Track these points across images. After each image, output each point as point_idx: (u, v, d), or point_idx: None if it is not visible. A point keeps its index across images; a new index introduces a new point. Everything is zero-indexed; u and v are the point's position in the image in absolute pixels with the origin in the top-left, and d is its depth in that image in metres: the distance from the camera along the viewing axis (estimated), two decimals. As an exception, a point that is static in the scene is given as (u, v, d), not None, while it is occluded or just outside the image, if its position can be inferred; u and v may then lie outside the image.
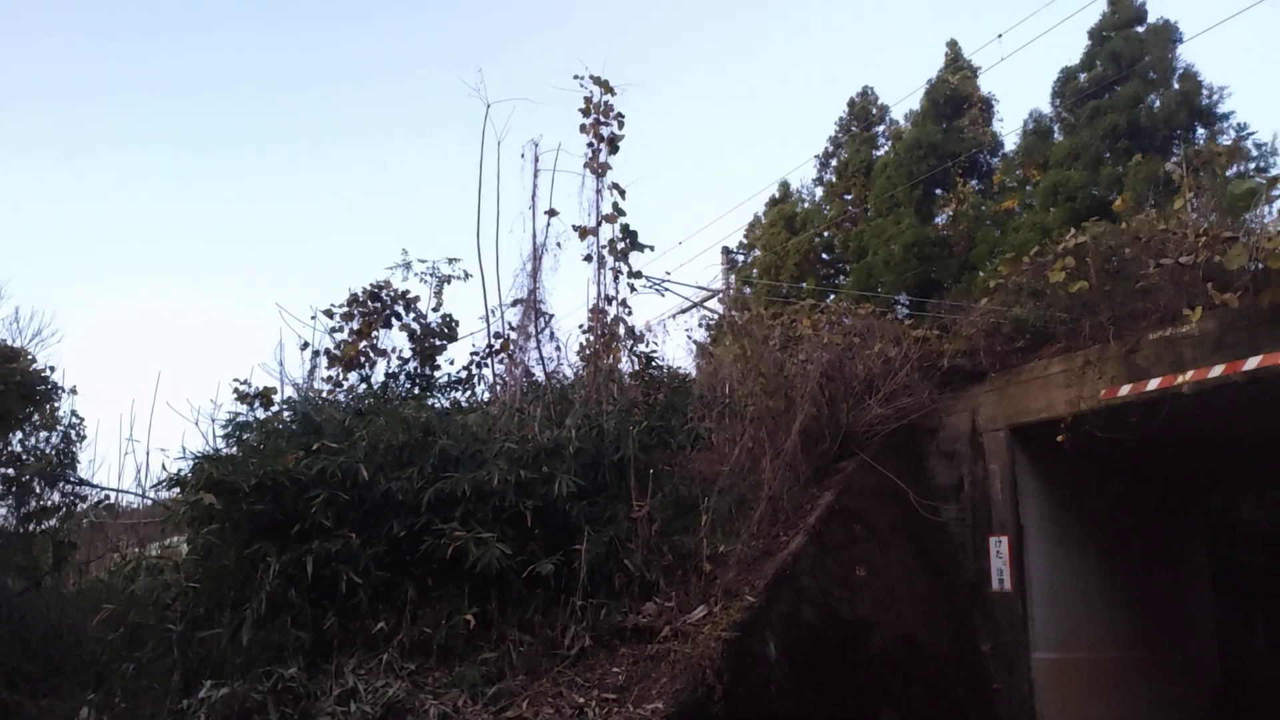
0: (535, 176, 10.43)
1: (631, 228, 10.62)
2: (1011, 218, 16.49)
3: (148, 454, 10.26)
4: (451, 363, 12.12)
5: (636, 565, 7.56)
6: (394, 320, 12.05)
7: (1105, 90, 16.55)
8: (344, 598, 6.92)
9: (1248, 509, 18.06)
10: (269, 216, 72.50)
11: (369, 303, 11.94)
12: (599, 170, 10.58)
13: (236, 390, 10.66)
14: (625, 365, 10.75)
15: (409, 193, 77.57)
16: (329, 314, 11.75)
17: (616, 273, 10.58)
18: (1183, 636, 13.71)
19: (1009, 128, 19.64)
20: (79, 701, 7.03)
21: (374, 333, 11.86)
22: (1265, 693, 15.83)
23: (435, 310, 12.14)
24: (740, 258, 22.77)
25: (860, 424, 10.21)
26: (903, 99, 24.40)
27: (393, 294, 12.05)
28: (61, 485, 10.23)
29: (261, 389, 10.82)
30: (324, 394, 10.84)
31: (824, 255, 21.03)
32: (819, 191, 22.24)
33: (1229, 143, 14.97)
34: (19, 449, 10.08)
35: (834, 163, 21.82)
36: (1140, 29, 16.76)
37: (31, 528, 9.74)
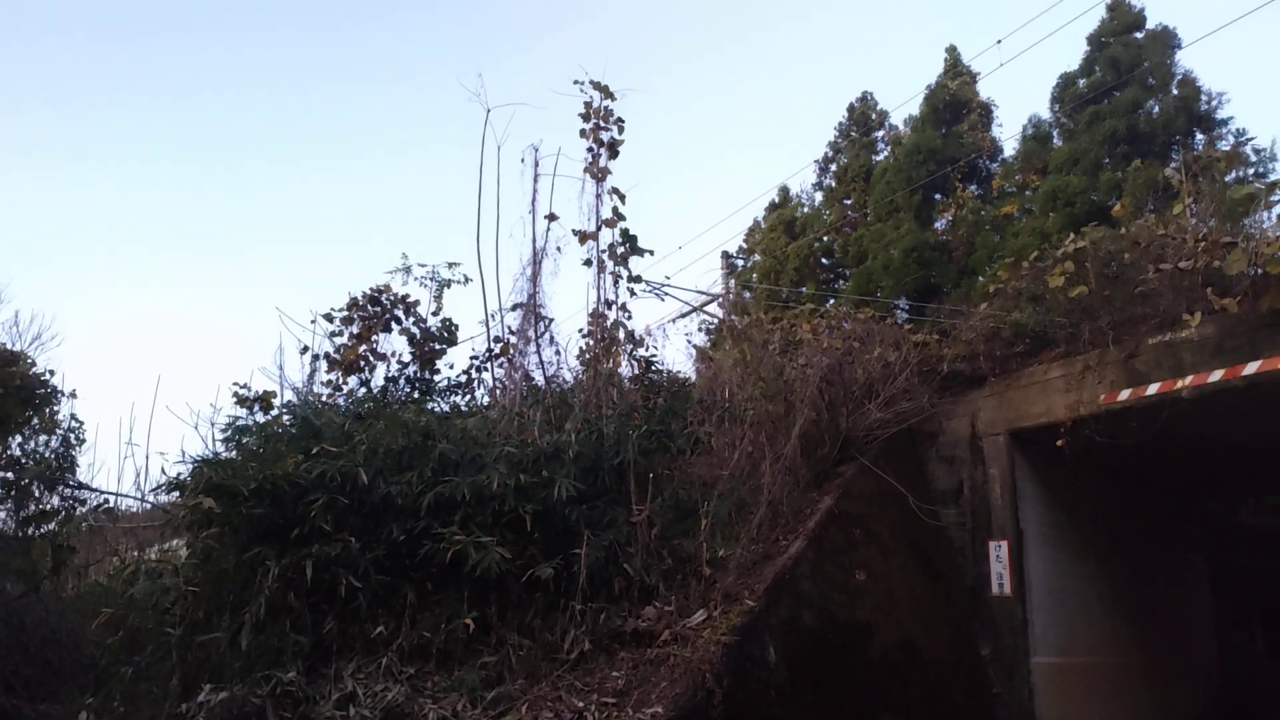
0: (535, 181, 10.47)
1: (631, 232, 10.66)
2: (1011, 223, 16.51)
3: (147, 458, 10.26)
4: (451, 367, 12.13)
5: (636, 569, 7.56)
6: (394, 324, 12.05)
7: (1104, 96, 16.58)
8: (343, 602, 6.91)
9: (1247, 514, 18.06)
10: (269, 221, 72.61)
11: (369, 307, 11.94)
12: (599, 175, 10.60)
13: (236, 394, 10.65)
14: (625, 369, 10.77)
15: (409, 197, 77.70)
16: (329, 318, 11.76)
17: (616, 277, 10.61)
18: (1182, 641, 13.70)
19: (1008, 133, 19.73)
20: (77, 705, 7.01)
21: (374, 337, 11.86)
22: (1265, 697, 15.81)
23: (435, 314, 12.16)
24: (740, 262, 22.80)
25: (860, 428, 10.22)
26: (902, 104, 24.59)
27: (393, 298, 12.05)
28: (61, 489, 10.21)
29: (261, 393, 10.82)
30: (323, 398, 10.84)
31: (823, 260, 21.05)
32: (819, 196, 22.28)
33: (1228, 148, 14.98)
34: (18, 453, 10.07)
35: (833, 168, 21.86)
36: (1139, 35, 16.79)
37: (30, 531, 9.72)
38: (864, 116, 21.80)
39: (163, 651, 6.87)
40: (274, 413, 10.12)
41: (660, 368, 11.35)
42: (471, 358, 11.76)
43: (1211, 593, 15.34)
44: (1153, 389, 9.07)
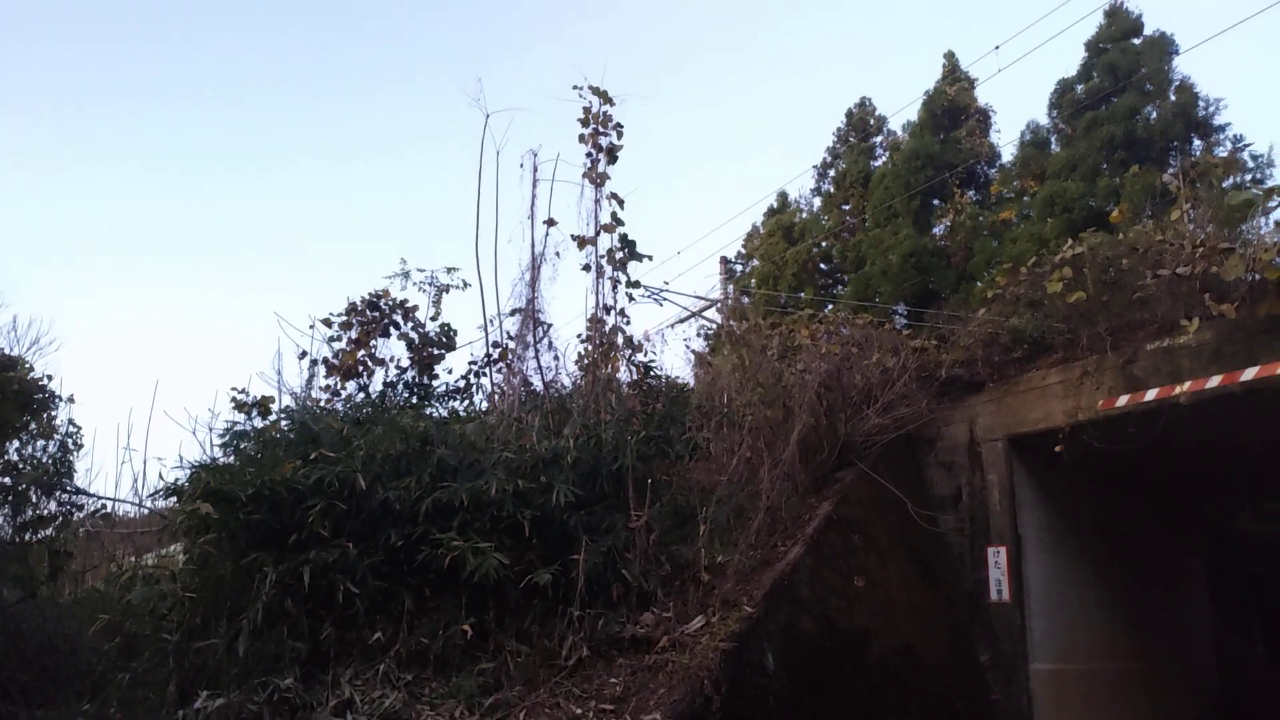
0: (534, 186, 10.49)
1: (630, 237, 10.68)
2: (1009, 228, 16.53)
3: (145, 463, 10.23)
4: (450, 372, 12.11)
5: (634, 575, 7.55)
6: (392, 329, 12.04)
7: (1102, 102, 16.62)
8: (341, 608, 6.90)
9: (1245, 519, 18.08)
10: (268, 225, 72.61)
11: (367, 312, 11.93)
12: (598, 180, 10.62)
13: (234, 399, 10.63)
14: (623, 375, 10.78)
15: (408, 202, 77.73)
16: (327, 323, 11.74)
17: (615, 282, 10.62)
18: (1181, 646, 13.69)
19: (1006, 139, 19.77)
20: (74, 712, 6.99)
21: (372, 342, 11.84)
22: (1264, 702, 15.81)
23: (434, 319, 12.15)
24: (738, 268, 22.82)
25: (858, 434, 10.22)
26: (900, 110, 24.64)
27: (391, 303, 12.04)
28: (58, 494, 10.18)
29: (259, 398, 10.80)
30: (322, 403, 10.83)
31: (822, 265, 21.07)
32: (817, 202, 22.32)
33: (1225, 154, 15.04)
34: (15, 458, 10.04)
35: (832, 173, 21.89)
36: (1137, 41, 16.84)
37: (27, 537, 9.69)
38: (862, 122, 21.83)
39: (160, 658, 6.86)
40: (272, 418, 10.11)
41: (659, 373, 11.36)
42: (470, 363, 11.76)
43: (1210, 598, 15.34)
44: (1151, 395, 9.08)
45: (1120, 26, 17.00)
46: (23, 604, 9.16)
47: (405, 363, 11.96)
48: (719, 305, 19.66)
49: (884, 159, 20.72)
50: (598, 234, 10.59)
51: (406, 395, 11.54)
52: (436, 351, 12.12)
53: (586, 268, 10.67)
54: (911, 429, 10.68)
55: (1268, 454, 11.77)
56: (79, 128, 61.22)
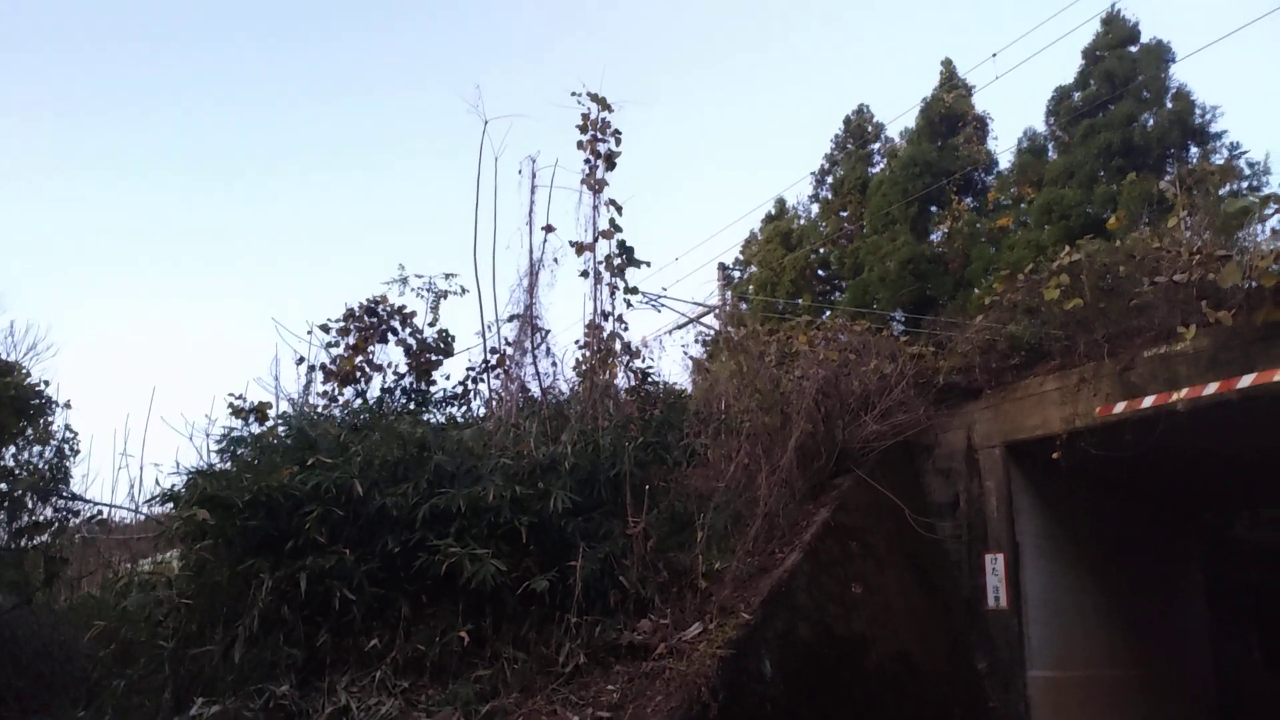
0: (532, 192, 10.51)
1: (628, 244, 10.69)
2: (1006, 235, 16.56)
3: (141, 469, 10.22)
4: (448, 378, 12.12)
5: (632, 582, 7.54)
6: (390, 335, 12.05)
7: (1099, 109, 16.67)
8: (337, 614, 6.88)
9: (1242, 526, 18.10)
10: (265, 231, 72.58)
11: (365, 318, 11.94)
12: (596, 186, 10.64)
13: (231, 405, 10.64)
14: (621, 381, 10.78)
15: (407, 208, 77.74)
16: (325, 329, 11.75)
17: (613, 288, 10.63)
18: (1178, 654, 13.69)
19: (1003, 146, 19.82)
20: (69, 719, 6.97)
21: (370, 348, 11.85)
22: (1261, 709, 15.80)
23: (432, 325, 12.16)
24: (736, 274, 22.85)
25: (856, 440, 10.21)
26: (898, 117, 24.67)
27: (389, 309, 12.05)
28: (54, 500, 10.17)
29: (257, 404, 10.81)
30: (319, 409, 10.82)
31: (820, 272, 21.09)
32: (815, 208, 22.34)
33: (1222, 162, 15.06)
34: (11, 463, 10.03)
35: (830, 180, 21.92)
36: (1134, 49, 16.88)
37: (23, 543, 9.68)
38: (860, 129, 21.88)
39: (155, 664, 6.84)
40: (269, 424, 10.12)
41: (656, 379, 11.37)
42: (468, 369, 11.77)
43: (1207, 605, 15.35)
44: (1148, 402, 9.09)
45: (1117, 34, 17.06)
46: (18, 610, 9.14)
47: (403, 368, 11.98)
48: (717, 311, 19.65)
49: (882, 166, 20.76)
50: (596, 240, 10.61)
51: (404, 401, 11.54)
52: (434, 357, 12.13)
53: (585, 274, 10.68)
54: (909, 436, 10.68)
55: (1265, 461, 11.78)
56: (75, 133, 61.24)
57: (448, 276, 12.00)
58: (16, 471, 9.96)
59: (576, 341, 11.00)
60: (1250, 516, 18.04)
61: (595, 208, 10.65)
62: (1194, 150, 15.99)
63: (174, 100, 60.13)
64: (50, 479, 10.09)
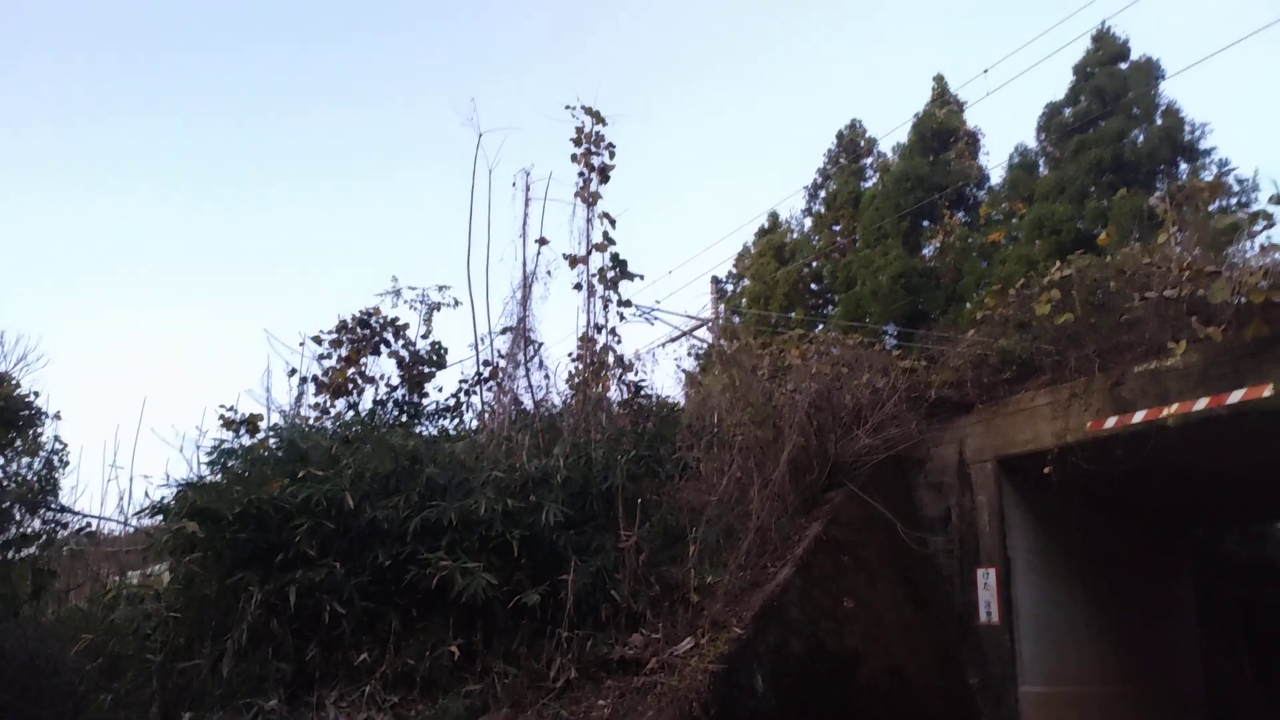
0: (526, 205, 10.54)
1: (621, 256, 10.72)
2: (998, 250, 16.65)
3: (131, 481, 10.21)
4: (440, 390, 12.10)
5: (623, 596, 7.52)
6: (383, 347, 12.03)
7: (1089, 125, 16.79)
8: (327, 628, 6.85)
9: (1233, 542, 18.13)
10: (258, 243, 72.48)
11: (358, 329, 11.92)
12: (590, 199, 10.68)
13: (222, 417, 10.59)
14: (614, 394, 10.79)
15: (400, 220, 77.75)
16: (317, 340, 11.72)
17: (606, 301, 10.65)
18: (1169, 669, 13.68)
19: (995, 161, 19.91)
20: (55, 733, 6.91)
21: (362, 360, 11.83)
22: (1252, 725, 15.80)
23: (424, 337, 12.15)
24: (729, 287, 22.89)
25: (848, 454, 10.21)
26: (890, 132, 24.80)
27: (382, 321, 12.03)
28: (42, 512, 10.11)
29: (247, 416, 10.76)
30: (311, 421, 10.79)
31: (812, 285, 21.15)
32: (808, 222, 22.43)
33: (1211, 178, 15.18)
34: (0, 475, 9.98)
35: (822, 194, 22.01)
36: (1124, 66, 17.04)
37: (10, 555, 9.61)
38: (853, 144, 21.99)
39: (143, 678, 6.80)
40: (260, 436, 10.07)
41: (649, 392, 11.36)
42: (460, 381, 11.75)
43: (1198, 621, 15.34)
44: (1139, 417, 9.11)
45: (1107, 51, 17.21)
46: (4, 623, 9.06)
47: (395, 381, 11.95)
48: (710, 325, 19.68)
49: (874, 180, 20.85)
50: (589, 253, 10.64)
51: (396, 413, 11.52)
52: (427, 369, 12.11)
53: (578, 286, 10.70)
54: (901, 450, 10.68)
55: (1254, 477, 11.81)
56: (68, 143, 61.17)
57: (441, 288, 12.00)
58: (4, 483, 9.91)
59: (569, 354, 11.02)
60: (1240, 532, 18.08)
61: (589, 220, 10.69)
62: (1183, 166, 16.13)
63: (168, 110, 60.16)
64: (39, 490, 10.04)
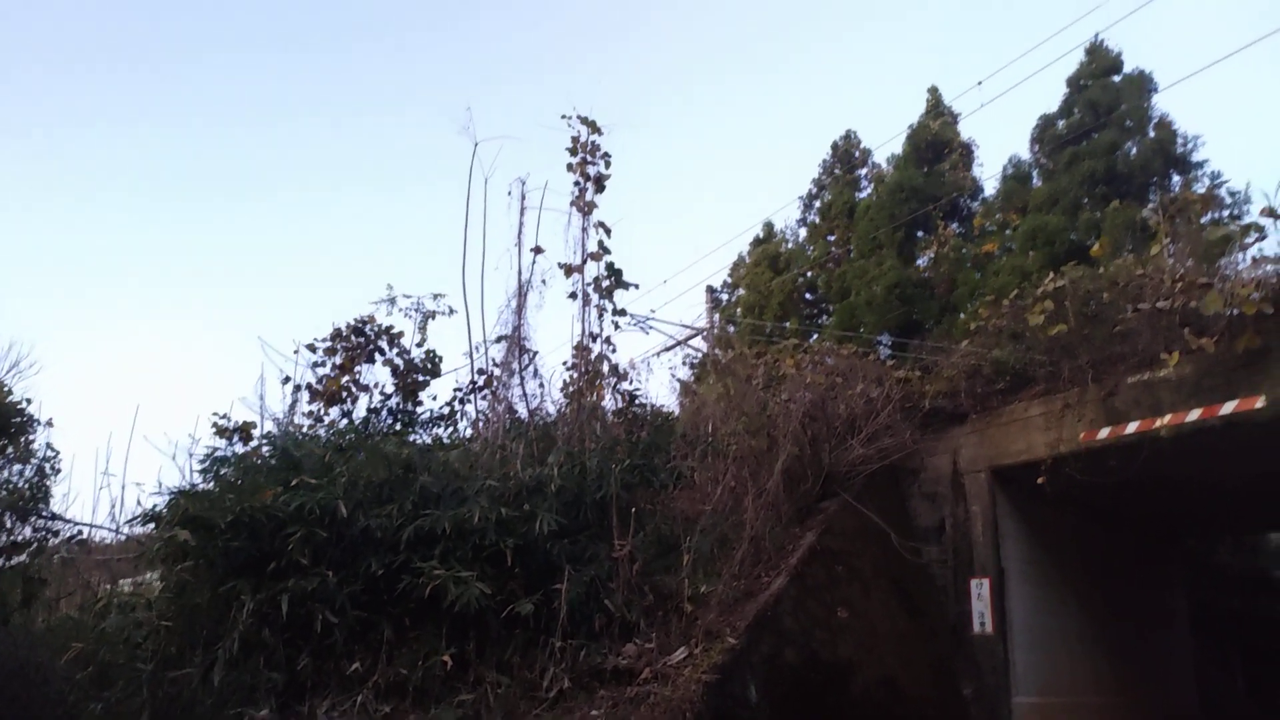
0: (522, 214, 10.55)
1: (616, 266, 10.73)
2: (991, 261, 16.68)
3: (123, 488, 10.09)
4: (434, 398, 12.09)
5: (617, 606, 7.50)
6: (377, 355, 12.01)
7: (1083, 137, 16.87)
8: (319, 637, 6.82)
9: (1225, 553, 18.17)
10: (253, 252, 72.39)
11: (352, 337, 11.91)
12: (585, 208, 10.68)
13: (215, 425, 10.56)
14: (608, 403, 10.78)
15: (396, 229, 77.74)
16: (312, 348, 11.71)
17: (601, 310, 10.66)
18: (1163, 680, 13.68)
19: (989, 173, 20.00)
20: (44, 743, 6.85)
21: (357, 368, 11.81)
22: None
23: (419, 346, 12.14)
24: (724, 297, 22.90)
25: (842, 464, 10.22)
26: (885, 143, 24.88)
27: (376, 329, 12.02)
28: (33, 520, 10.06)
29: (241, 423, 10.73)
30: (304, 429, 10.77)
31: (807, 295, 21.18)
32: (803, 232, 22.46)
33: (1203, 190, 15.25)
34: (-9, 482, 9.94)
35: (817, 204, 22.06)
36: (1117, 78, 17.13)
37: (1, 563, 9.56)
38: (848, 154, 22.05)
39: (133, 688, 6.75)
40: (254, 444, 10.04)
41: (644, 401, 11.37)
42: (455, 389, 11.75)
43: (1191, 631, 15.36)
44: (1131, 428, 9.13)
45: (1101, 64, 17.31)
46: (-6, 632, 9.00)
47: (390, 389, 11.94)
48: (705, 334, 19.70)
49: (869, 191, 20.91)
50: (585, 262, 10.64)
51: (390, 422, 11.50)
52: (421, 378, 12.10)
53: (573, 295, 10.71)
54: (895, 460, 10.68)
55: (1246, 488, 11.84)
56: (63, 151, 61.09)
57: (436, 297, 12.01)
58: (-4, 490, 9.86)
59: (564, 363, 11.02)
60: (1233, 543, 18.12)
61: (584, 230, 10.70)
62: (1176, 179, 16.22)
63: (163, 120, 60.11)
64: (30, 498, 9.99)
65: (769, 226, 23.12)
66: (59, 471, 10.46)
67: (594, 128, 10.90)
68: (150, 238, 65.95)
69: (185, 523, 7.00)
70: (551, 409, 10.70)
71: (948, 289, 17.05)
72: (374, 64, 71.38)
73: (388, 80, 73.07)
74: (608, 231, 10.73)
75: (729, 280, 23.30)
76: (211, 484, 8.16)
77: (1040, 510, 10.84)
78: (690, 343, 18.51)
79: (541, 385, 10.67)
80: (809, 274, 20.89)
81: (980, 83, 16.05)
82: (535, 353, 10.65)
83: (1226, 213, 15.10)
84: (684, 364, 16.46)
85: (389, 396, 11.88)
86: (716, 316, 21.24)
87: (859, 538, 9.86)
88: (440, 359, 12.22)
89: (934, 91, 20.44)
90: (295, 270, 72.31)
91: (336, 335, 11.86)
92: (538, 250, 10.57)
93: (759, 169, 70.20)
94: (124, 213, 64.08)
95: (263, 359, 12.10)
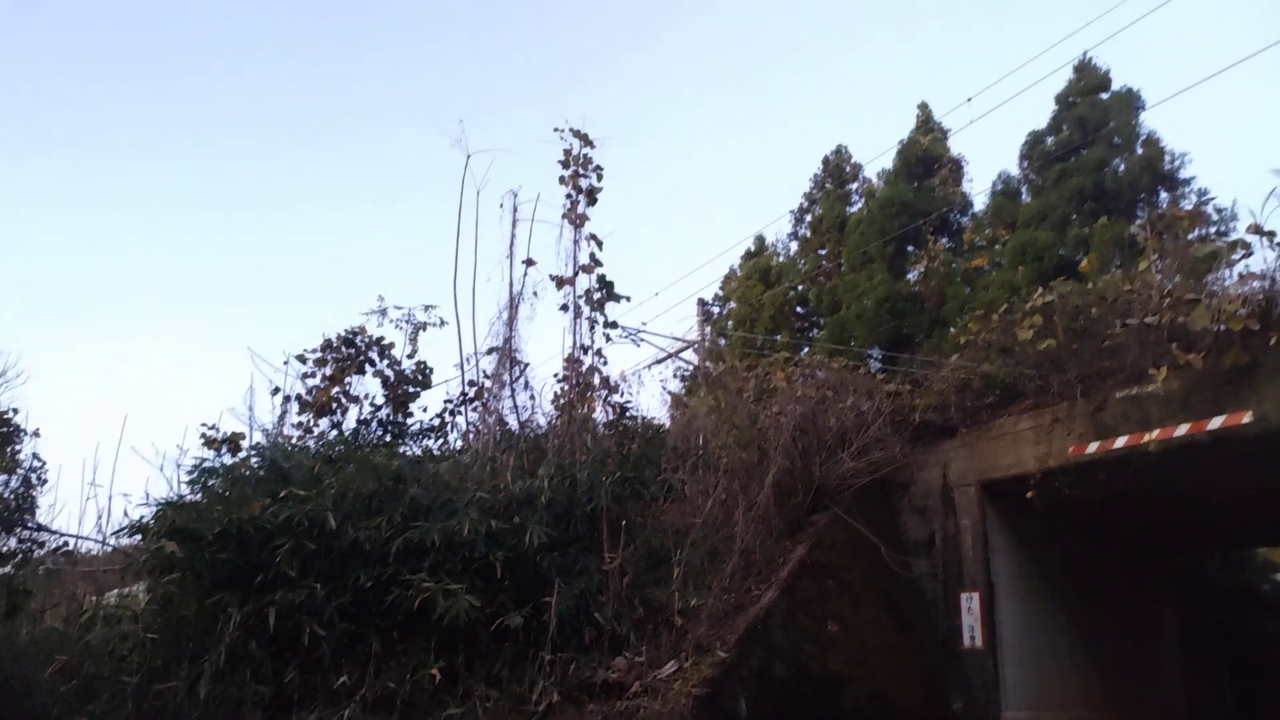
0: (513, 226, 10.57)
1: (608, 278, 10.76)
2: (981, 275, 16.78)
3: (110, 499, 10.06)
4: (425, 410, 12.08)
5: (607, 619, 7.48)
6: (368, 366, 11.98)
7: (1071, 154, 17.00)
8: (306, 650, 6.78)
9: (1214, 568, 18.21)
10: (244, 263, 72.19)
11: (343, 348, 11.88)
12: (577, 221, 10.71)
13: (204, 435, 10.51)
14: (599, 415, 10.78)
15: (387, 242, 77.67)
16: (301, 359, 11.67)
17: (592, 322, 10.67)
18: (1152, 695, 13.69)
19: (978, 188, 20.14)
20: (26, 756, 6.78)
21: (347, 379, 11.78)
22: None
23: (410, 357, 12.12)
24: (715, 310, 22.95)
25: (833, 477, 10.22)
26: (876, 158, 25.00)
27: (367, 340, 11.99)
28: (19, 530, 9.97)
29: (230, 434, 10.68)
30: (294, 440, 10.72)
31: (798, 308, 21.25)
32: (794, 246, 22.56)
33: (1191, 207, 15.38)
34: (-24, 493, 9.85)
35: (809, 218, 22.16)
36: (1105, 95, 17.29)
37: (-15, 574, 9.47)
38: (839, 169, 22.17)
39: (118, 700, 6.69)
40: (242, 455, 9.99)
41: (635, 414, 11.36)
42: (445, 401, 11.73)
43: (1180, 646, 15.38)
44: (1120, 442, 9.16)
45: (1089, 81, 17.47)
46: (-23, 643, 8.91)
47: (380, 400, 11.91)
48: (696, 347, 19.73)
49: (859, 205, 21.01)
50: (576, 274, 10.66)
51: (380, 433, 11.46)
52: (412, 389, 12.07)
53: (564, 308, 10.72)
54: (885, 473, 10.70)
55: (1235, 503, 11.88)
56: (54, 166, 60.91)
57: (427, 308, 12.00)
58: (-19, 501, 9.77)
59: (555, 375, 11.01)
60: (1222, 558, 18.16)
61: (576, 242, 10.73)
62: (1164, 195, 16.35)
63: (154, 135, 60.04)
64: (15, 508, 9.91)
65: (760, 240, 23.22)
66: (45, 482, 10.41)
67: (586, 141, 10.94)
68: (140, 249, 65.76)
69: (172, 534, 6.96)
70: (542, 421, 10.70)
71: (938, 303, 17.13)
72: (367, 78, 71.48)
73: (381, 94, 73.18)
74: (599, 244, 10.76)
75: (720, 293, 23.36)
76: (199, 495, 8.12)
77: (1030, 524, 10.86)
78: (681, 355, 18.52)
79: (532, 397, 10.67)
80: (800, 287, 20.95)
81: (970, 99, 16.17)
82: (526, 365, 10.66)
83: (1213, 229, 15.21)
84: (675, 376, 16.47)
85: (379, 408, 11.84)
86: (708, 329, 21.27)
87: (849, 551, 9.85)
88: (431, 370, 12.21)
89: (924, 107, 20.60)
90: (286, 281, 72.13)
91: (327, 346, 11.83)
92: (529, 262, 10.59)
93: (751, 183, 70.50)
94: (114, 225, 63.90)
95: (252, 370, 12.07)
